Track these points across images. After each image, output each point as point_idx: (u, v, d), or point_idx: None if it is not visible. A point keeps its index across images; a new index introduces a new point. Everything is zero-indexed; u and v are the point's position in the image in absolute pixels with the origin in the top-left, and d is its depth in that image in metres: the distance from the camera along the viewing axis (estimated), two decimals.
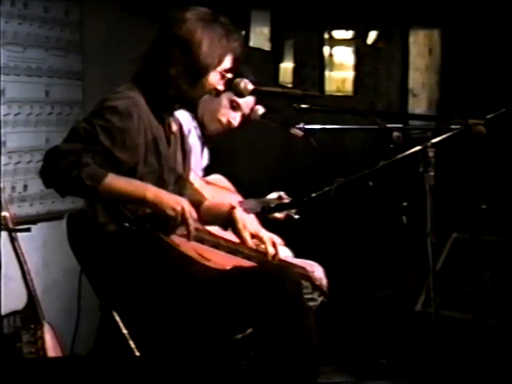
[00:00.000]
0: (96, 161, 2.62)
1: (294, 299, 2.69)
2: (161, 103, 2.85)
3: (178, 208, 2.65)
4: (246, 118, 3.52)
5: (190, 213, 2.67)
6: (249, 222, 2.93)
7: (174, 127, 2.96)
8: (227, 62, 2.88)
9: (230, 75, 2.89)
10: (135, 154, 2.73)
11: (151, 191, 2.66)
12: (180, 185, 2.92)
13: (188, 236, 2.68)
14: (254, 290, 2.70)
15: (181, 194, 2.86)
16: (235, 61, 2.91)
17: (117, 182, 2.64)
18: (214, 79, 2.86)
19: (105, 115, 2.69)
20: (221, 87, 2.90)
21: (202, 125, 3.57)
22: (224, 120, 3.53)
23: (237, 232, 2.88)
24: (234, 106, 3.52)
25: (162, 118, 2.87)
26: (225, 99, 3.48)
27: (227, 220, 2.90)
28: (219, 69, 2.86)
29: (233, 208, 2.92)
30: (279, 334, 2.67)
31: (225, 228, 2.94)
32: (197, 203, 2.90)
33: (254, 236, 2.91)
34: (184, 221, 2.66)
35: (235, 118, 3.53)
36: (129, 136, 2.71)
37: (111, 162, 2.67)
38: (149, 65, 2.85)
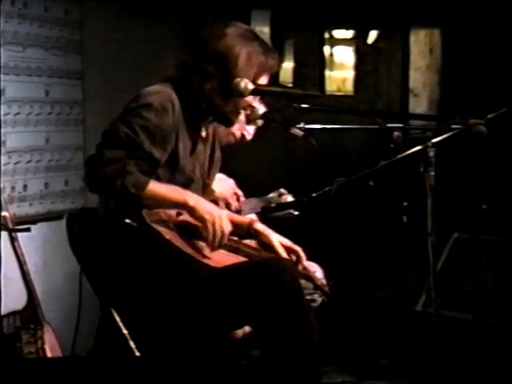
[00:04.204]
0: (139, 167, 2.65)
1: (292, 291, 2.68)
2: (193, 112, 2.85)
3: (214, 217, 2.68)
4: (257, 132, 3.54)
5: (222, 225, 2.70)
6: (272, 233, 3.00)
7: (204, 133, 2.96)
8: (263, 80, 2.88)
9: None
10: (168, 150, 2.76)
11: (192, 197, 2.71)
12: (204, 191, 2.96)
13: (210, 246, 2.71)
14: (251, 283, 2.69)
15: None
16: (271, 79, 2.90)
17: (158, 188, 2.68)
18: (250, 96, 2.86)
19: (141, 113, 2.70)
20: (256, 104, 2.91)
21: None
22: (238, 134, 3.53)
23: (266, 242, 2.95)
24: (250, 120, 3.52)
25: (193, 121, 2.87)
26: (242, 113, 3.47)
27: (249, 233, 2.98)
28: None
29: (252, 221, 2.99)
30: (279, 327, 2.65)
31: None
32: None
33: (287, 248, 2.98)
34: (213, 231, 2.69)
35: (250, 132, 3.54)
36: (167, 132, 2.73)
37: (151, 164, 2.70)
38: (183, 75, 2.83)
